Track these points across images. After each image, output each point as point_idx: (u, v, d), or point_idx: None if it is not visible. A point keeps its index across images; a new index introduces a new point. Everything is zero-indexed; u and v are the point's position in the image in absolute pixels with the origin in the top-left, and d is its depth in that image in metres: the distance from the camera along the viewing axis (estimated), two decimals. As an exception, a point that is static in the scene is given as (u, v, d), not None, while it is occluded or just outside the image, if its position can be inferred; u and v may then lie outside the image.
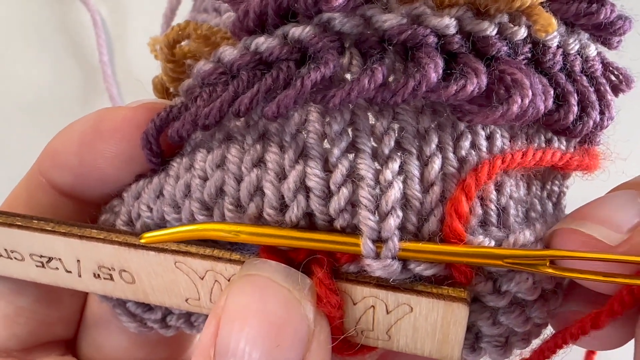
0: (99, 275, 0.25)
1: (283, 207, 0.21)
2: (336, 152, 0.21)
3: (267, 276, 0.21)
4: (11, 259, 0.26)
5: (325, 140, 0.21)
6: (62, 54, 0.59)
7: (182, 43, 0.25)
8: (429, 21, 0.20)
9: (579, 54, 0.22)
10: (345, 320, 0.23)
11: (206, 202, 0.22)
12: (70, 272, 0.25)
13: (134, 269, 0.24)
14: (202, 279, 0.23)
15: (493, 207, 0.21)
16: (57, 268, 0.25)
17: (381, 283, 0.22)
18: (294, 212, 0.21)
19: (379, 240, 0.20)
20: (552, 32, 0.19)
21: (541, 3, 0.20)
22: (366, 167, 0.20)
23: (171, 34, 0.23)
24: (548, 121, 0.21)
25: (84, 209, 0.26)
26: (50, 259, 0.25)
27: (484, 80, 0.19)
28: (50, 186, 0.26)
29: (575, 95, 0.21)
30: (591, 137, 0.23)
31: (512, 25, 0.20)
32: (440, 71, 0.19)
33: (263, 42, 0.21)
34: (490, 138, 0.21)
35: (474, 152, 0.21)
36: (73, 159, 0.24)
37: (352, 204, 0.21)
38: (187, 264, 0.23)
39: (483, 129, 0.21)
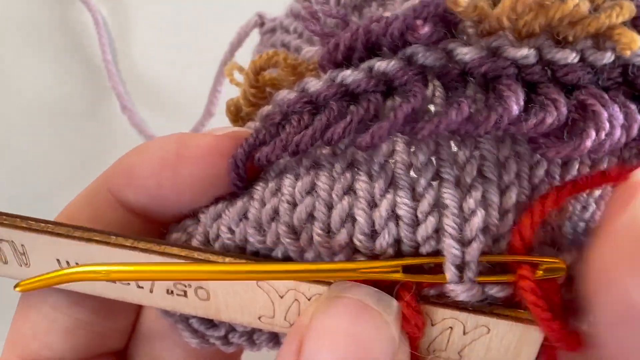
0: (172, 291, 0.26)
1: (372, 233, 0.22)
2: (423, 182, 0.22)
3: (358, 299, 0.22)
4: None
5: (412, 170, 0.22)
6: (64, 55, 0.60)
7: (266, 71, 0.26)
8: (508, 52, 0.21)
9: None
10: (422, 340, 0.24)
11: (295, 226, 0.23)
12: (142, 287, 0.26)
13: (212, 286, 0.25)
14: (282, 297, 0.24)
15: (555, 231, 0.23)
16: (128, 283, 0.26)
17: (462, 306, 0.23)
18: (385, 239, 0.22)
19: (461, 266, 0.22)
20: (636, 49, 0.20)
21: (624, 22, 0.20)
22: (451, 197, 0.22)
23: (259, 61, 0.25)
24: (638, 144, 0.21)
25: (150, 228, 0.27)
26: None
27: (563, 112, 0.20)
28: (120, 204, 0.27)
29: None
30: None
31: (595, 50, 0.21)
32: (522, 103, 0.20)
33: (350, 75, 0.23)
34: (566, 164, 0.22)
35: (546, 180, 0.22)
36: (152, 181, 0.25)
37: (436, 230, 0.22)
38: (270, 283, 0.24)
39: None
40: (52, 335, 0.27)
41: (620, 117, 0.20)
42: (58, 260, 0.26)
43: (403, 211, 0.22)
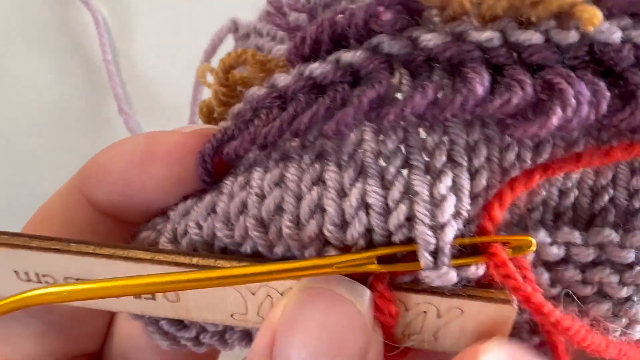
0: (140, 296, 0.25)
1: (343, 224, 0.22)
2: (392, 169, 0.22)
3: (330, 289, 0.22)
4: (41, 282, 0.25)
5: (380, 158, 0.22)
6: (64, 55, 0.60)
7: (236, 70, 0.27)
8: (472, 36, 0.21)
9: None
10: (396, 326, 0.24)
11: (263, 218, 0.23)
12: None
13: None
14: (254, 294, 0.24)
15: (520, 212, 0.23)
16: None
17: (435, 290, 0.23)
18: (355, 229, 0.22)
19: (435, 252, 0.22)
20: (598, 23, 0.19)
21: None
22: (421, 183, 0.21)
23: (228, 59, 0.25)
24: (615, 123, 0.21)
25: (121, 228, 0.27)
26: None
27: (529, 91, 0.20)
28: (90, 204, 0.26)
29: None
30: None
31: (559, 30, 0.21)
32: (487, 84, 0.20)
33: (317, 68, 0.22)
34: (538, 147, 0.22)
35: (517, 164, 0.22)
36: (121, 179, 0.25)
37: (408, 218, 0.22)
38: None
39: (532, 139, 0.22)
40: (24, 339, 0.27)
41: (587, 94, 0.20)
42: (16, 272, 0.25)
43: (373, 199, 0.22)
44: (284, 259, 0.23)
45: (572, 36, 0.21)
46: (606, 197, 0.23)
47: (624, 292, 0.23)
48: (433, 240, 0.21)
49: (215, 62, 0.39)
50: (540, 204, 0.23)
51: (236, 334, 0.27)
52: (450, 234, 0.21)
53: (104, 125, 0.59)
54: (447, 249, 0.21)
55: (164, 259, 0.24)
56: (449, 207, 0.21)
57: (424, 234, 0.21)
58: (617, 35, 0.21)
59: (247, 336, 0.28)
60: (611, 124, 0.21)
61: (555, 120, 0.20)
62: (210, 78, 0.29)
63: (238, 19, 0.35)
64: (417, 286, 0.23)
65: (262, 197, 0.23)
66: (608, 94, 0.20)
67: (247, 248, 0.24)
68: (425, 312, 0.23)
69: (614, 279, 0.23)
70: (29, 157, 0.56)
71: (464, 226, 0.22)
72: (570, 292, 0.23)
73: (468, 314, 0.23)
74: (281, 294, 0.24)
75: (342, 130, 0.21)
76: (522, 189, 0.21)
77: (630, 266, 0.23)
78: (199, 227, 0.24)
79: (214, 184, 0.25)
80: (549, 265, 0.23)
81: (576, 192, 0.23)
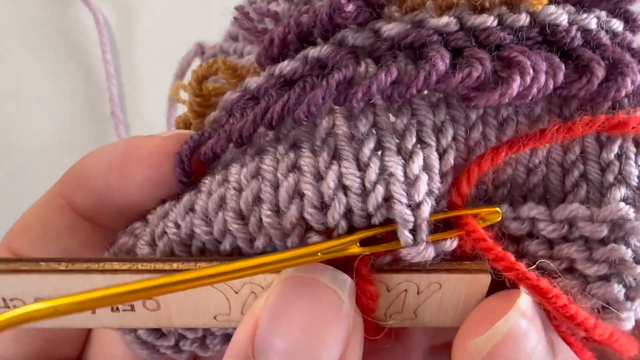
0: (117, 308, 0.24)
1: (323, 206, 0.22)
2: (366, 151, 0.22)
3: (314, 277, 0.22)
4: (9, 307, 0.24)
5: (354, 142, 0.23)
6: (64, 55, 0.60)
7: (209, 81, 0.27)
8: (430, 23, 0.23)
9: (602, 29, 0.23)
10: (378, 307, 0.24)
11: (242, 210, 0.23)
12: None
13: (161, 295, 0.23)
14: (237, 293, 0.24)
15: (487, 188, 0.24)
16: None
17: (414, 268, 0.23)
18: (336, 210, 0.22)
19: (414, 230, 0.22)
20: (545, 2, 0.22)
21: None
22: (394, 164, 0.22)
23: (200, 70, 0.26)
24: (574, 92, 0.22)
25: (100, 233, 0.26)
26: None
27: (488, 66, 0.21)
28: (71, 208, 0.26)
29: (601, 60, 0.22)
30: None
31: (511, 14, 0.23)
32: (447, 61, 0.22)
33: (286, 65, 0.23)
34: (502, 125, 0.23)
35: (483, 143, 0.23)
36: (100, 183, 0.25)
37: (385, 198, 0.22)
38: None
39: (495, 117, 0.23)
40: (1, 343, 0.27)
41: (543, 64, 0.22)
42: None
43: (350, 181, 0.22)
44: (264, 252, 0.23)
45: (523, 18, 0.23)
46: (576, 173, 0.24)
47: (594, 270, 0.23)
48: (411, 218, 0.22)
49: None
50: (507, 181, 0.24)
51: (217, 338, 0.27)
52: (426, 211, 0.22)
53: (105, 125, 0.58)
54: (425, 226, 0.22)
55: (142, 268, 0.23)
56: (423, 185, 0.22)
57: (402, 212, 0.22)
58: (564, 18, 0.23)
59: (229, 339, 0.27)
60: (570, 94, 0.23)
61: (515, 86, 0.21)
62: (184, 95, 0.29)
63: (204, 42, 0.36)
64: (398, 266, 0.23)
65: (239, 190, 0.23)
66: (563, 65, 0.22)
67: (226, 245, 0.23)
68: (405, 290, 0.24)
69: (584, 255, 0.23)
70: (29, 156, 0.56)
71: (437, 203, 0.23)
72: (539, 267, 0.24)
73: (446, 287, 0.23)
74: (263, 289, 0.23)
75: (313, 111, 0.21)
76: (488, 165, 0.22)
77: (603, 242, 0.23)
78: (177, 226, 0.24)
79: (191, 186, 0.25)
80: (515, 240, 0.24)
81: (544, 168, 0.24)
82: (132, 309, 0.24)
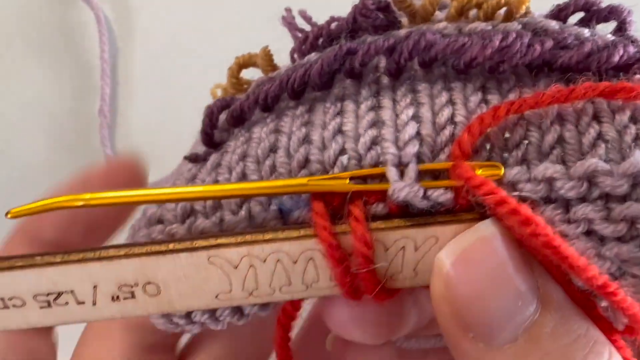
0: (117, 297, 0.24)
1: (323, 147, 0.25)
2: (364, 107, 0.25)
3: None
4: (8, 307, 0.24)
5: (356, 103, 0.26)
6: (65, 55, 0.60)
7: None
8: (434, 28, 0.27)
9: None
10: (378, 268, 0.24)
11: (259, 156, 0.26)
12: (82, 302, 0.24)
13: (160, 278, 0.24)
14: (236, 267, 0.24)
15: (494, 145, 0.24)
16: (66, 303, 0.24)
17: (409, 223, 0.23)
18: (332, 148, 0.24)
19: (402, 170, 0.23)
20: (527, 3, 0.26)
21: None
22: (387, 115, 0.25)
23: (242, 58, 0.30)
24: (566, 59, 0.24)
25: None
26: (59, 295, 0.24)
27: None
28: (35, 242, 0.28)
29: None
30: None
31: (505, 24, 0.26)
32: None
33: (313, 56, 0.28)
34: (506, 93, 0.25)
35: (484, 105, 0.25)
36: (59, 213, 0.25)
37: (375, 142, 0.24)
38: (222, 256, 0.24)
39: (498, 89, 0.25)
40: None
41: (528, 34, 0.24)
42: None
43: (346, 127, 0.25)
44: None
45: (515, 25, 0.26)
46: (593, 132, 0.23)
47: (611, 230, 0.22)
48: (396, 152, 0.23)
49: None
50: (521, 142, 0.24)
51: (227, 310, 0.27)
52: (411, 149, 0.23)
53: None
54: (413, 165, 0.23)
55: (139, 251, 0.24)
56: (410, 129, 0.24)
57: (388, 148, 0.24)
58: (554, 24, 0.26)
59: (238, 311, 0.27)
60: (564, 61, 0.24)
61: (496, 41, 0.23)
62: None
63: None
64: (393, 223, 0.24)
65: (259, 142, 0.26)
66: (551, 40, 0.24)
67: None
68: (403, 247, 0.24)
69: (602, 214, 0.22)
70: (29, 156, 0.56)
71: (434, 156, 0.24)
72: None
73: (443, 240, 0.23)
74: (264, 262, 0.24)
75: (326, 70, 0.25)
76: (490, 119, 0.23)
77: (623, 200, 0.22)
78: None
79: (215, 149, 0.28)
80: (532, 204, 0.23)
81: (558, 127, 0.24)
82: (133, 296, 0.24)
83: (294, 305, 0.27)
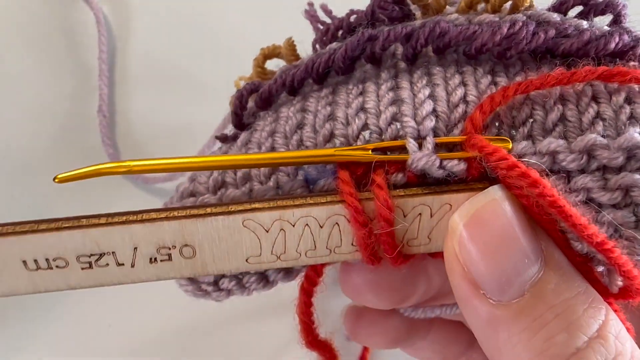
0: (155, 259, 0.26)
1: (347, 123, 0.27)
2: (384, 88, 0.28)
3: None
4: (52, 268, 0.25)
5: (377, 85, 0.28)
6: (65, 54, 0.60)
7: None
8: (446, 19, 0.29)
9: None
10: (397, 232, 0.26)
11: (286, 132, 0.28)
12: (122, 264, 0.26)
13: (197, 240, 0.26)
14: (268, 231, 0.26)
15: (503, 122, 0.26)
16: (107, 264, 0.26)
17: (427, 191, 0.26)
18: (355, 123, 0.27)
19: (420, 142, 0.26)
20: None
21: None
22: (405, 94, 0.27)
23: (267, 49, 0.33)
24: (567, 45, 0.26)
25: None
26: (101, 256, 0.25)
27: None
28: None
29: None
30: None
31: (510, 15, 0.29)
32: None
33: (334, 45, 0.30)
34: (513, 77, 0.27)
35: (493, 87, 0.27)
36: None
37: (395, 118, 0.26)
38: (256, 220, 0.26)
39: (505, 73, 0.27)
40: None
41: (532, 24, 0.27)
42: (24, 262, 0.25)
43: (369, 105, 0.27)
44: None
45: (521, 17, 0.28)
46: (592, 111, 0.26)
47: (607, 197, 0.25)
48: (415, 126, 0.26)
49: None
50: (527, 120, 0.26)
51: (253, 276, 0.29)
52: (428, 123, 0.26)
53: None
54: (430, 138, 0.26)
55: (179, 214, 0.25)
56: (427, 106, 0.26)
57: (408, 122, 0.26)
58: (556, 16, 0.28)
59: (264, 278, 0.29)
60: (565, 47, 0.27)
61: (505, 29, 0.26)
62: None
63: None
64: (411, 191, 0.26)
65: (287, 120, 0.29)
66: (554, 29, 0.27)
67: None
68: (420, 214, 0.26)
69: (599, 184, 0.25)
70: (29, 156, 0.56)
71: (448, 131, 0.26)
72: None
73: (456, 208, 0.25)
74: (293, 226, 0.26)
75: (349, 54, 0.28)
76: (500, 98, 0.26)
77: (619, 171, 0.25)
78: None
79: (244, 129, 0.31)
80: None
81: (560, 107, 0.26)
82: (170, 258, 0.26)
83: (317, 272, 0.29)
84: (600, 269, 0.26)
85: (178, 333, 0.50)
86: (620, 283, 0.26)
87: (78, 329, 0.50)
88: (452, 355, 0.39)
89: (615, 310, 0.25)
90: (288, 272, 0.30)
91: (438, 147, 0.26)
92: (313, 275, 0.30)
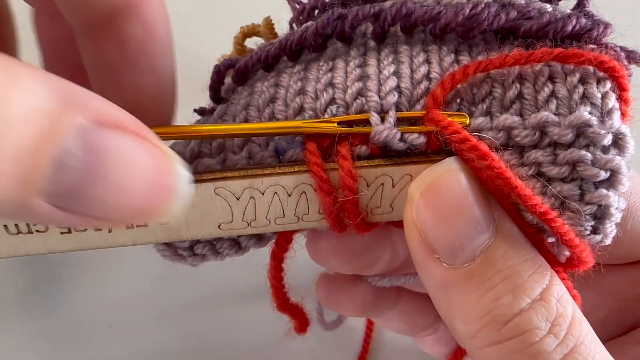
0: (132, 225, 0.27)
1: (316, 97, 0.28)
2: (352, 65, 0.29)
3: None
4: (32, 232, 0.26)
5: (345, 62, 0.29)
6: None
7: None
8: None
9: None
10: (360, 202, 0.27)
11: (259, 105, 0.29)
12: (99, 229, 0.27)
13: None
14: (239, 199, 0.27)
15: (463, 99, 0.27)
16: (85, 229, 0.27)
17: (389, 162, 0.27)
18: (323, 97, 0.28)
19: (383, 116, 0.27)
20: None
21: None
22: (372, 71, 0.28)
23: (247, 28, 0.34)
24: (527, 26, 0.28)
25: None
26: None
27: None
28: None
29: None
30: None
31: None
32: None
33: (310, 23, 0.32)
34: (472, 57, 0.28)
35: (456, 65, 0.28)
36: None
37: (361, 93, 0.28)
38: (227, 187, 0.27)
39: (469, 52, 0.28)
40: None
41: (495, 5, 0.28)
42: (5, 226, 0.26)
43: (336, 80, 0.28)
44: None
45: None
46: (547, 90, 0.27)
47: (556, 171, 0.26)
48: (379, 101, 0.27)
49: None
50: (486, 97, 0.27)
51: (225, 242, 0.31)
52: (391, 98, 0.27)
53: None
54: (392, 112, 0.27)
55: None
56: (391, 82, 0.28)
57: (372, 97, 0.27)
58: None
59: (236, 244, 0.31)
60: (525, 28, 0.28)
61: (467, 9, 0.27)
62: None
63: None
64: (374, 162, 0.27)
65: (260, 94, 0.30)
66: (516, 11, 0.28)
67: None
68: (382, 184, 0.27)
69: (549, 158, 0.26)
70: None
71: (411, 106, 0.28)
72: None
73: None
74: (263, 194, 0.28)
75: (320, 32, 0.29)
76: (460, 76, 0.27)
77: (568, 147, 0.26)
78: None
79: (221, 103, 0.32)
80: (493, 150, 0.27)
81: (518, 85, 0.27)
82: (145, 223, 0.27)
83: (287, 238, 0.31)
84: (551, 240, 0.27)
85: (178, 333, 0.51)
86: (567, 253, 0.27)
87: (78, 329, 0.51)
88: (421, 326, 0.41)
89: (563, 279, 0.27)
90: (260, 239, 0.31)
91: (400, 122, 0.27)
92: (283, 242, 0.31)
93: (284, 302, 0.33)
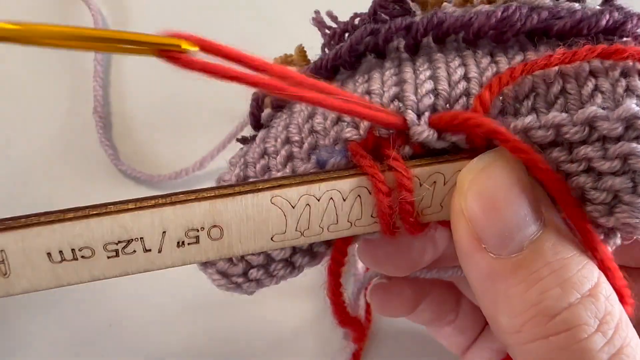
0: (183, 242, 0.26)
1: None
2: (387, 74, 0.29)
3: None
4: (77, 259, 0.25)
5: (381, 73, 0.30)
6: (64, 55, 0.60)
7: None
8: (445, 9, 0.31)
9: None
10: (416, 199, 0.28)
11: (299, 123, 0.30)
12: (149, 250, 0.25)
13: (225, 220, 0.26)
14: (294, 207, 0.27)
15: (508, 100, 0.28)
16: (134, 251, 0.25)
17: (441, 160, 0.27)
18: None
19: (419, 115, 0.28)
20: None
21: None
22: (408, 76, 0.29)
23: (279, 58, 0.35)
24: (560, 25, 0.28)
25: None
26: (128, 243, 0.25)
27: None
28: None
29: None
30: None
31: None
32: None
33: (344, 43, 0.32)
34: (508, 58, 0.29)
35: (494, 65, 0.28)
36: None
37: (397, 96, 0.28)
38: (284, 196, 0.26)
39: (505, 54, 0.29)
40: None
41: (525, 7, 0.28)
42: (49, 254, 0.24)
43: (373, 87, 0.29)
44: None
45: (514, 4, 0.30)
46: (590, 85, 0.27)
47: (607, 166, 0.26)
48: (415, 101, 0.28)
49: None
50: (530, 93, 0.28)
51: (280, 264, 0.30)
52: (427, 101, 0.28)
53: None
54: (427, 113, 0.28)
55: (209, 195, 0.26)
56: (427, 84, 0.28)
57: (409, 98, 0.28)
58: (548, 1, 0.30)
59: (290, 264, 0.31)
60: (558, 27, 0.28)
61: (499, 13, 0.27)
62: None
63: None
64: (426, 161, 0.27)
65: (300, 112, 0.31)
66: (546, 11, 0.28)
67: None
68: (435, 182, 0.27)
69: (600, 153, 0.26)
70: (29, 156, 0.56)
71: (449, 107, 0.28)
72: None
73: None
74: (318, 200, 0.27)
75: (355, 48, 0.30)
76: (507, 78, 0.27)
77: (618, 141, 0.26)
78: (253, 156, 0.32)
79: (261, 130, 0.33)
80: (542, 147, 0.27)
81: (561, 80, 0.27)
82: (197, 240, 0.26)
83: (342, 252, 0.30)
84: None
85: (179, 333, 0.50)
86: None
87: (78, 329, 0.50)
88: (445, 312, 0.41)
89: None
90: (313, 257, 0.31)
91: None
92: (339, 255, 0.31)
93: (345, 317, 0.33)
